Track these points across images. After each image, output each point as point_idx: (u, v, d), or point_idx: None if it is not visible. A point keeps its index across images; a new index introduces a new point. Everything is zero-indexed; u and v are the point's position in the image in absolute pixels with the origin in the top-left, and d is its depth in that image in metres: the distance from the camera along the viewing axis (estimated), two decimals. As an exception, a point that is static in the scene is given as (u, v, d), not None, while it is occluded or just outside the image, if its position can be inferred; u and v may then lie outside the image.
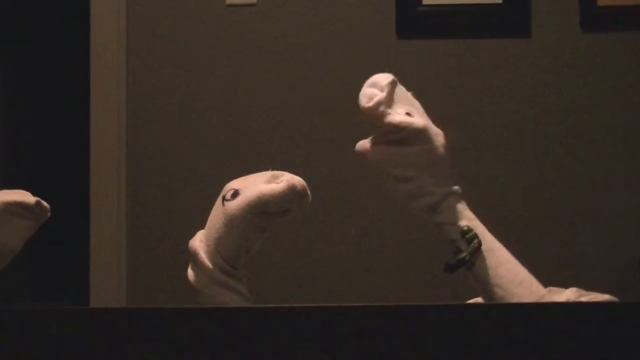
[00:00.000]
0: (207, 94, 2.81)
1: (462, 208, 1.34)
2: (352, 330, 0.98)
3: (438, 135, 1.35)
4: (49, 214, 1.42)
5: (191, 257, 1.37)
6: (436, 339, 0.98)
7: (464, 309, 0.99)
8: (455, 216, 1.33)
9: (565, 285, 1.34)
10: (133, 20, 2.83)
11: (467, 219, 1.33)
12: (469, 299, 1.44)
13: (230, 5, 2.82)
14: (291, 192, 1.32)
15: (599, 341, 0.97)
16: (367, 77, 2.93)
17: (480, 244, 1.31)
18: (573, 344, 0.97)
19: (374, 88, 1.38)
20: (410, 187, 1.34)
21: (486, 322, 0.98)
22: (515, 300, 1.29)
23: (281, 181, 1.33)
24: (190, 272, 1.37)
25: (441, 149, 1.35)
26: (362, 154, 1.37)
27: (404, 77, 3.06)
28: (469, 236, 1.31)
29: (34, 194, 1.42)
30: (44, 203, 1.41)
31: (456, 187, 1.35)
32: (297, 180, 1.34)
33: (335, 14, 2.81)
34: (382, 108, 1.34)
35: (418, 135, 1.33)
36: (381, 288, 2.72)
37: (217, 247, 1.34)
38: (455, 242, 1.32)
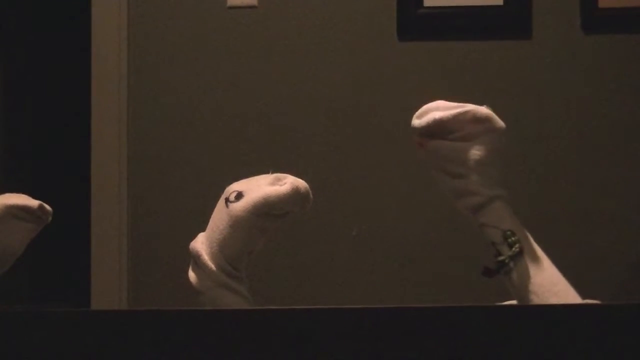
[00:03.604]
0: (208, 96, 2.81)
1: (509, 213, 1.32)
2: (354, 332, 0.98)
3: (499, 134, 1.34)
4: (50, 217, 1.43)
5: (193, 259, 1.37)
6: (438, 340, 0.98)
7: (465, 310, 0.99)
8: (499, 219, 1.31)
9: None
10: (134, 22, 2.83)
11: (512, 223, 1.32)
12: (470, 300, 1.44)
13: (232, 8, 2.82)
14: (295, 194, 1.33)
15: (602, 343, 0.98)
16: (369, 79, 2.94)
17: (522, 249, 1.29)
18: (574, 346, 0.98)
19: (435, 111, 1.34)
20: (460, 185, 1.32)
21: (488, 323, 0.98)
22: None
23: (285, 183, 1.34)
24: (191, 274, 1.37)
25: (497, 149, 1.33)
26: (422, 144, 1.34)
27: (405, 79, 3.07)
28: (511, 241, 1.30)
29: (35, 197, 1.42)
30: (46, 206, 1.42)
31: (505, 192, 1.34)
32: (300, 182, 1.35)
33: (336, 16, 2.81)
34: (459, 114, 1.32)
35: (483, 123, 1.31)
36: (383, 289, 2.72)
37: (221, 249, 1.34)
38: (496, 245, 1.31)
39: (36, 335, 0.99)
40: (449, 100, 1.36)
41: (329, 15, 2.81)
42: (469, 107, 1.32)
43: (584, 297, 1.33)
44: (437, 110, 1.32)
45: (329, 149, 2.77)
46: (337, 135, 2.78)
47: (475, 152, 1.31)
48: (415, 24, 2.80)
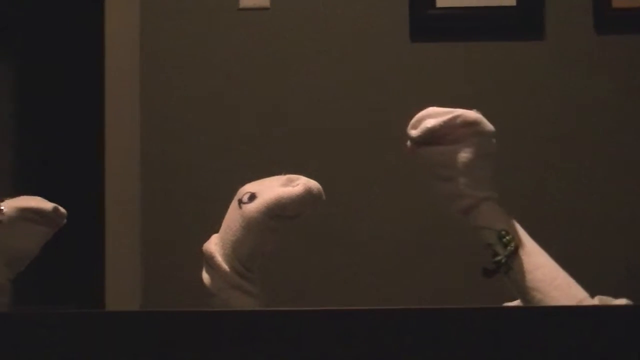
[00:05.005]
0: (220, 98, 2.82)
1: (500, 212, 1.34)
2: (361, 333, 0.98)
3: (488, 137, 1.35)
4: (65, 220, 1.43)
5: (206, 260, 1.37)
6: (438, 341, 0.98)
7: (466, 311, 0.99)
8: (491, 220, 1.33)
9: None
10: (146, 24, 2.84)
11: (505, 223, 1.33)
12: (470, 301, 1.44)
13: (243, 9, 2.83)
14: (308, 196, 1.33)
15: (602, 343, 0.97)
16: (381, 80, 2.94)
17: (516, 247, 1.31)
18: (584, 347, 0.97)
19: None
20: (449, 188, 1.34)
21: (488, 324, 0.98)
22: (553, 303, 1.28)
23: (297, 184, 1.34)
24: (205, 275, 1.37)
25: (486, 152, 1.35)
26: (413, 151, 1.37)
27: (417, 80, 3.06)
28: (506, 240, 1.31)
29: (50, 199, 1.43)
30: (61, 209, 1.42)
31: (494, 193, 1.35)
32: (313, 183, 1.35)
33: (349, 17, 2.81)
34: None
35: (471, 127, 1.33)
36: (389, 291, 2.71)
37: (234, 250, 1.34)
38: (492, 246, 1.32)
39: (50, 336, 1.00)
40: (461, 103, 1.37)
41: (341, 16, 2.81)
42: (459, 111, 1.34)
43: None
44: (429, 117, 1.34)
45: (340, 150, 2.77)
46: (347, 137, 2.78)
47: (463, 155, 1.33)
48: (428, 25, 2.80)
